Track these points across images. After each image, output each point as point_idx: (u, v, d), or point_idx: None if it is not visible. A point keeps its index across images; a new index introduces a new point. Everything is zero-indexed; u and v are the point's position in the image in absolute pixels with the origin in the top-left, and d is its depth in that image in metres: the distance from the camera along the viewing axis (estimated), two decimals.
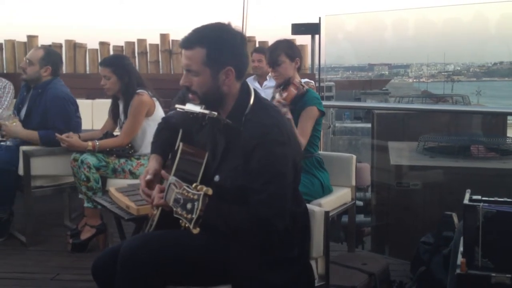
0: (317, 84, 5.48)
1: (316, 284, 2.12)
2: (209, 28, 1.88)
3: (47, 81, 3.73)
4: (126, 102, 3.52)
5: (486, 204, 1.53)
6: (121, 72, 3.48)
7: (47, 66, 3.73)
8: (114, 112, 3.68)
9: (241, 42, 1.91)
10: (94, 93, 5.22)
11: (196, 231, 1.61)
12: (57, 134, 3.46)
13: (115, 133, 3.73)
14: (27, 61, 3.74)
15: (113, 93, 3.56)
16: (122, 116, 3.59)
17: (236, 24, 1.92)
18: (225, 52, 1.85)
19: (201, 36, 1.86)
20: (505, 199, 1.65)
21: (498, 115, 4.66)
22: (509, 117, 5.88)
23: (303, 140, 3.02)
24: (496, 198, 1.64)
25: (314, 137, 3.18)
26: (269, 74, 5.20)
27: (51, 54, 3.88)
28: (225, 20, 1.94)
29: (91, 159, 3.40)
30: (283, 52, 3.10)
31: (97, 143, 3.46)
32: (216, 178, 1.89)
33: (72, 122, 3.70)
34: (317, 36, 5.78)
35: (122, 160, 3.51)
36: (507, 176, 3.72)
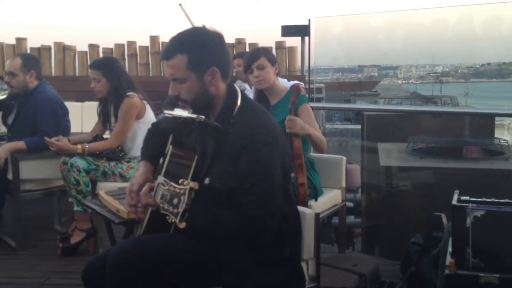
0: (307, 86, 5.49)
1: (307, 286, 2.13)
2: (185, 34, 1.90)
3: (35, 87, 3.70)
4: (116, 105, 3.51)
5: (475, 205, 1.55)
6: (111, 74, 3.48)
7: (30, 71, 3.69)
8: (103, 115, 3.67)
9: (219, 41, 1.92)
10: (83, 96, 5.20)
11: (182, 225, 1.62)
12: (46, 138, 3.43)
13: (105, 136, 3.72)
14: (8, 74, 3.65)
15: (103, 96, 3.55)
16: (112, 119, 3.58)
17: (211, 25, 1.94)
18: (206, 53, 1.87)
19: (179, 43, 1.88)
20: (493, 199, 1.66)
21: (485, 116, 4.70)
22: (496, 118, 5.94)
23: (322, 136, 3.08)
24: (484, 199, 1.66)
25: (306, 137, 3.18)
26: None
27: (30, 58, 3.84)
28: (204, 23, 1.96)
29: (80, 162, 3.39)
30: (264, 56, 3.09)
31: (87, 146, 3.44)
32: (207, 180, 1.90)
33: (61, 125, 3.68)
34: (307, 38, 5.80)
35: (112, 163, 3.50)
36: (495, 176, 3.76)
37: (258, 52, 3.13)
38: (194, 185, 1.63)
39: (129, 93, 3.47)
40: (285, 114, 3.03)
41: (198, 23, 3.33)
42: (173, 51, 1.87)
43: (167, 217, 1.67)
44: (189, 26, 1.98)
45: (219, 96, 1.93)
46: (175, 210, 1.63)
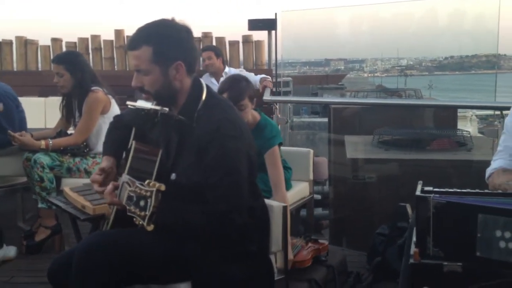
0: (274, 80, 5.51)
1: (276, 278, 2.15)
2: (153, 26, 1.89)
3: None
4: (80, 100, 3.45)
5: (437, 195, 1.58)
6: (74, 69, 3.42)
7: None
8: (67, 110, 3.60)
9: (187, 36, 1.91)
10: (46, 91, 5.11)
11: (150, 228, 1.60)
12: (10, 132, 3.35)
13: (69, 132, 3.66)
14: None
15: (67, 91, 3.49)
16: (76, 114, 3.52)
17: (180, 19, 1.92)
18: (172, 47, 1.86)
19: (146, 34, 1.86)
20: (455, 189, 1.70)
21: (448, 108, 4.80)
22: (459, 110, 6.06)
23: (283, 192, 2.91)
24: (447, 189, 1.69)
25: None
26: (225, 70, 5.22)
27: None
28: (173, 15, 1.94)
29: (44, 159, 3.32)
30: (247, 96, 2.87)
31: (51, 142, 3.38)
32: (173, 176, 1.89)
33: (15, 118, 3.58)
34: (273, 32, 5.82)
35: (77, 159, 3.44)
36: (458, 167, 3.84)
37: (243, 92, 2.85)
38: (160, 186, 1.60)
39: (93, 88, 3.42)
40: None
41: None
42: (138, 41, 1.85)
43: (134, 219, 1.65)
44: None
45: (184, 90, 1.92)
46: (143, 213, 1.61)
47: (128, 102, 2.01)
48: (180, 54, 1.88)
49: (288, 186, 3.25)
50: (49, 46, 6.21)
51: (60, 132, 3.58)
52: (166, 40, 1.86)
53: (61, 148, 3.42)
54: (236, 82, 2.90)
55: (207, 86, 1.98)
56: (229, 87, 2.84)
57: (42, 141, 3.38)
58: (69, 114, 3.59)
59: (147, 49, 1.84)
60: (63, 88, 3.48)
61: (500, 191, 1.91)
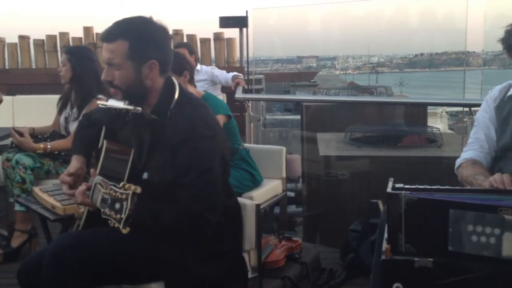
0: (246, 77, 5.50)
1: (249, 276, 2.15)
2: (131, 21, 1.86)
3: None
4: (77, 95, 3.38)
5: (408, 192, 1.59)
6: (76, 62, 3.36)
7: None
8: (62, 103, 3.52)
9: (164, 36, 1.90)
10: (14, 89, 5.01)
11: (125, 231, 1.58)
12: (12, 130, 3.26)
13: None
14: None
15: (65, 82, 3.44)
16: (74, 111, 3.42)
17: (158, 18, 1.90)
18: (148, 45, 1.84)
19: (123, 29, 1.83)
20: (426, 186, 1.71)
21: (419, 105, 4.86)
22: (429, 107, 6.16)
23: None
24: (417, 186, 1.70)
25: (232, 133, 3.16)
26: (197, 67, 5.19)
27: None
28: (149, 13, 1.92)
29: (26, 160, 3.22)
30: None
31: (49, 146, 3.30)
32: (145, 175, 1.86)
33: None
34: (245, 29, 5.81)
35: (57, 162, 3.37)
36: (428, 163, 3.89)
37: None
38: (136, 189, 1.58)
39: (99, 96, 3.30)
40: None
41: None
42: (115, 34, 1.82)
43: (109, 221, 1.62)
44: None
45: (155, 89, 1.90)
46: (118, 216, 1.58)
47: (98, 102, 1.97)
48: (155, 53, 1.85)
49: (259, 180, 3.26)
50: (16, 44, 6.08)
51: (53, 133, 3.49)
52: (143, 37, 1.83)
53: (56, 152, 3.33)
54: None
55: (180, 85, 1.96)
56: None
57: (41, 144, 3.28)
58: (62, 105, 3.52)
59: (123, 43, 1.81)
60: (63, 78, 3.43)
61: (468, 187, 1.94)
